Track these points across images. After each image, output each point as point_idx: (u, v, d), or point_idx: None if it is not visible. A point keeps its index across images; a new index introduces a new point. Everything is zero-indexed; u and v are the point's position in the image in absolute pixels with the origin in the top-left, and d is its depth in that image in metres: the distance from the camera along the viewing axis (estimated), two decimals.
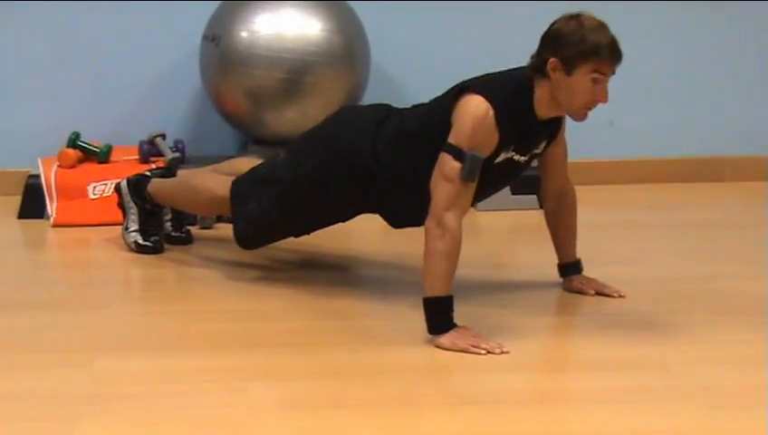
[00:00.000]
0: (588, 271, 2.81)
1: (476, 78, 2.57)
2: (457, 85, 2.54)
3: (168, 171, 3.22)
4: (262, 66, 3.51)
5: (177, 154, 3.57)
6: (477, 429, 1.97)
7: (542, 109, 2.51)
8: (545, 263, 2.86)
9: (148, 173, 3.17)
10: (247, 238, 2.87)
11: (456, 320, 2.38)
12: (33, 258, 3.26)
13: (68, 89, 3.90)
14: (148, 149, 3.63)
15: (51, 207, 3.46)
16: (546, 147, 2.66)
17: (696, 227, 3.55)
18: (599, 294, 2.74)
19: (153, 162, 3.53)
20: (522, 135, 2.54)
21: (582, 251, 2.80)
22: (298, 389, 2.21)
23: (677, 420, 2.00)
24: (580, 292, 2.76)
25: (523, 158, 2.59)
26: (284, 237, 2.92)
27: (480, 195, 2.60)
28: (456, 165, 2.40)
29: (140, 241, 3.10)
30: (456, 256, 2.39)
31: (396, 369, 2.26)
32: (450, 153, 2.41)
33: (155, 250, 3.10)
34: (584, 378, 2.28)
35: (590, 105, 2.47)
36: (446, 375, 2.25)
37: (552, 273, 2.80)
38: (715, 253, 3.23)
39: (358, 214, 2.88)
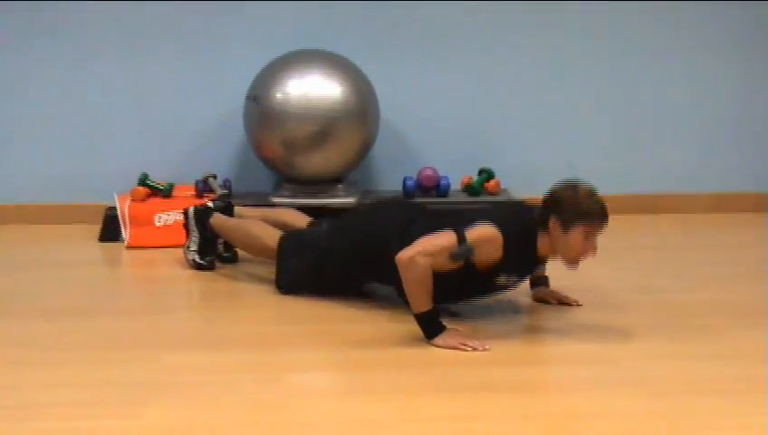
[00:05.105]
0: (552, 284, 2.79)
1: (482, 210, 2.59)
2: (470, 216, 2.50)
3: (228, 205, 3.17)
4: (293, 121, 3.51)
5: (225, 190, 3.61)
6: (467, 411, 2.01)
7: (543, 252, 2.51)
8: None
9: (210, 205, 3.15)
10: (285, 286, 2.84)
11: (447, 324, 2.38)
12: (110, 274, 3.28)
13: (137, 138, 3.92)
14: (203, 187, 3.67)
15: (125, 233, 3.51)
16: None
17: (638, 248, 3.55)
18: (560, 303, 2.76)
19: (206, 197, 3.55)
20: (526, 269, 2.58)
21: (548, 269, 2.79)
22: (322, 379, 2.24)
23: (622, 403, 2.04)
24: (545, 301, 2.77)
25: (520, 280, 2.60)
26: (314, 292, 2.82)
27: (474, 298, 2.61)
28: (455, 242, 2.36)
29: (198, 260, 3.09)
30: (429, 280, 2.36)
31: (401, 363, 2.30)
32: (457, 233, 2.38)
33: (210, 268, 3.09)
34: (550, 370, 2.34)
35: (582, 257, 2.45)
36: (440, 368, 2.27)
37: (523, 287, 2.76)
38: (653, 270, 3.24)
39: (373, 282, 2.83)
